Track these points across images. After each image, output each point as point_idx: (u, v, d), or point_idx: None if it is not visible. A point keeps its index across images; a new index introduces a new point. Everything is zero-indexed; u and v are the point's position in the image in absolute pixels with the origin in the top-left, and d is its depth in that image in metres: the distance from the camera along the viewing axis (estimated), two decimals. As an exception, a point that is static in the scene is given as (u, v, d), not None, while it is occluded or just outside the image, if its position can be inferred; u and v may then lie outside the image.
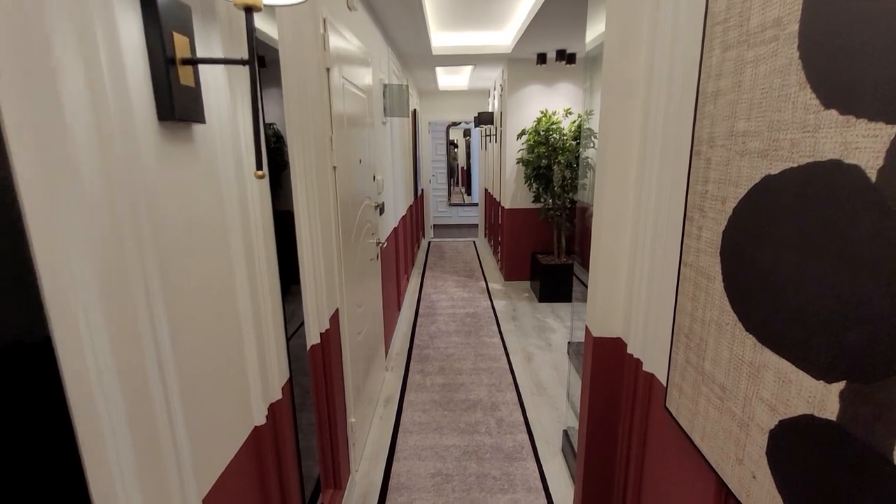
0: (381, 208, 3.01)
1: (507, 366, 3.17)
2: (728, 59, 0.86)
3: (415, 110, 5.77)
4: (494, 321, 4.00)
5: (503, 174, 4.90)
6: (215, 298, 0.90)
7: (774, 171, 0.73)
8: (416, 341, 3.60)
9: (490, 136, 6.15)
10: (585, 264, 4.31)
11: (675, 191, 1.11)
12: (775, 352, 0.71)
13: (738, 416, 0.81)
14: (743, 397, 0.79)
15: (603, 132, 1.48)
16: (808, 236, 0.65)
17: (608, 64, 1.40)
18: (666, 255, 1.17)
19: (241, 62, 0.76)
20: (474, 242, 7.40)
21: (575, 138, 4.14)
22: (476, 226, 8.95)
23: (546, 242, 4.87)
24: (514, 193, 4.77)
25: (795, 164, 0.68)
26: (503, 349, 3.44)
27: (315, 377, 1.57)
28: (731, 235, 0.84)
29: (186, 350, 0.79)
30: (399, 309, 4.00)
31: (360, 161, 2.29)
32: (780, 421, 0.70)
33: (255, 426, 1.08)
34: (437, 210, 9.08)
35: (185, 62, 0.75)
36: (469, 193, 10.10)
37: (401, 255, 4.20)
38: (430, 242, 7.44)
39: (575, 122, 4.20)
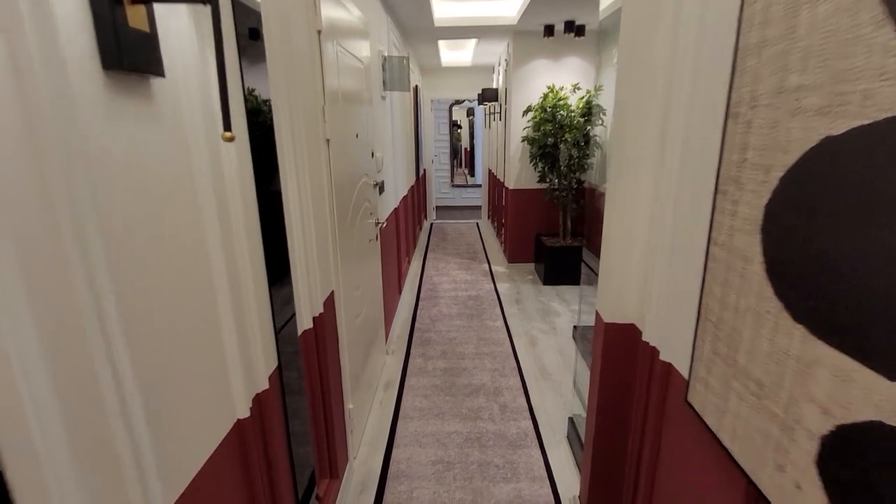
0: (380, 187, 2.89)
1: (510, 350, 3.09)
2: (777, 3, 0.73)
3: (416, 87, 5.58)
4: (498, 304, 3.91)
5: (507, 153, 4.75)
6: (185, 283, 0.80)
7: (837, 130, 0.61)
8: (417, 324, 3.52)
9: (494, 113, 5.97)
10: (593, 247, 4.18)
11: (704, 162, 0.99)
12: (833, 346, 0.60)
13: (779, 417, 0.70)
14: (787, 396, 0.69)
15: (621, 97, 1.35)
16: (882, 207, 0.54)
17: (628, 16, 1.26)
18: (691, 234, 1.05)
19: (202, 1, 0.64)
20: (477, 224, 7.28)
21: (583, 115, 3.97)
22: (479, 207, 8.81)
23: (551, 224, 4.75)
24: (519, 173, 4.63)
25: (868, 121, 0.56)
26: (507, 333, 3.35)
27: (307, 363, 1.48)
28: (776, 210, 0.73)
29: (147, 342, 0.69)
30: (400, 292, 3.92)
31: (357, 136, 2.17)
32: (838, 426, 0.59)
33: (238, 419, 0.99)
34: (440, 191, 8.94)
35: (136, 0, 0.63)
36: (472, 175, 9.93)
37: (402, 236, 4.09)
38: (432, 224, 7.32)
39: (583, 98, 4.03)
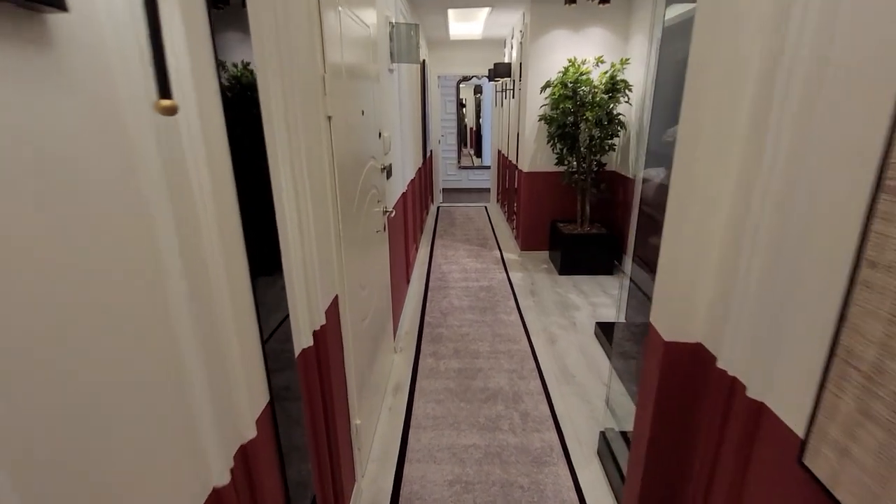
0: (387, 171, 2.62)
1: (528, 348, 2.87)
2: None
3: (424, 61, 5.24)
4: (511, 296, 3.67)
5: (522, 134, 4.44)
6: (122, 319, 0.55)
7: None
8: (426, 319, 3.30)
9: (506, 90, 5.62)
10: (618, 235, 3.92)
11: (847, 143, 0.72)
12: None
13: None
14: None
15: (697, 55, 1.06)
16: None
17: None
18: (815, 243, 0.79)
19: None
20: (486, 208, 7.00)
21: (607, 91, 3.65)
22: (487, 190, 8.51)
23: (567, 210, 4.47)
24: (534, 155, 4.32)
25: None
26: (523, 329, 3.12)
27: (307, 386, 1.25)
28: None
29: (54, 408, 0.44)
30: (408, 283, 3.68)
31: (363, 112, 1.89)
32: None
33: (215, 488, 0.75)
34: (447, 173, 8.62)
35: None
36: (479, 155, 9.58)
37: (409, 223, 3.83)
38: (439, 208, 7.04)
39: (607, 73, 3.70)
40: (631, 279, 2.30)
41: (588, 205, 4.09)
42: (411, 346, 2.91)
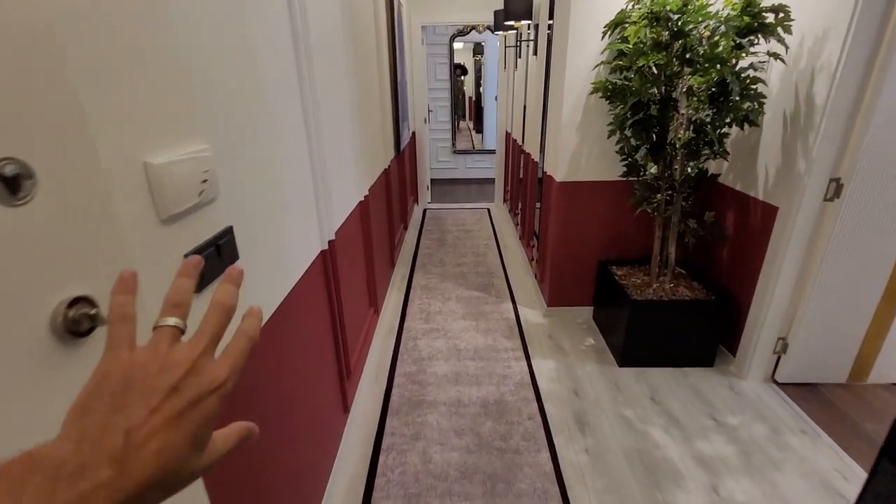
0: (217, 248, 0.86)
1: None
2: None
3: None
4: (543, 431, 1.95)
5: (554, 116, 2.60)
6: None
7: None
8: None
9: (522, 43, 3.72)
10: (730, 299, 2.10)
11: None
12: None
13: None
14: None
15: None
16: None
17: None
18: None
19: None
20: (489, 211, 5.19)
21: (742, 33, 1.80)
22: (490, 182, 6.68)
23: (628, 242, 2.69)
24: (578, 155, 2.51)
25: None
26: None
27: None
28: None
29: None
30: (346, 410, 1.93)
31: None
32: None
33: None
34: (438, 159, 6.75)
35: None
36: (479, 131, 7.67)
37: (362, 272, 2.07)
38: (425, 211, 5.22)
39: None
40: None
41: (674, 244, 2.31)
42: None
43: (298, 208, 1.35)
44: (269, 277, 1.14)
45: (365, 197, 2.30)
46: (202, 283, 0.82)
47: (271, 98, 1.15)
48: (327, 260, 1.64)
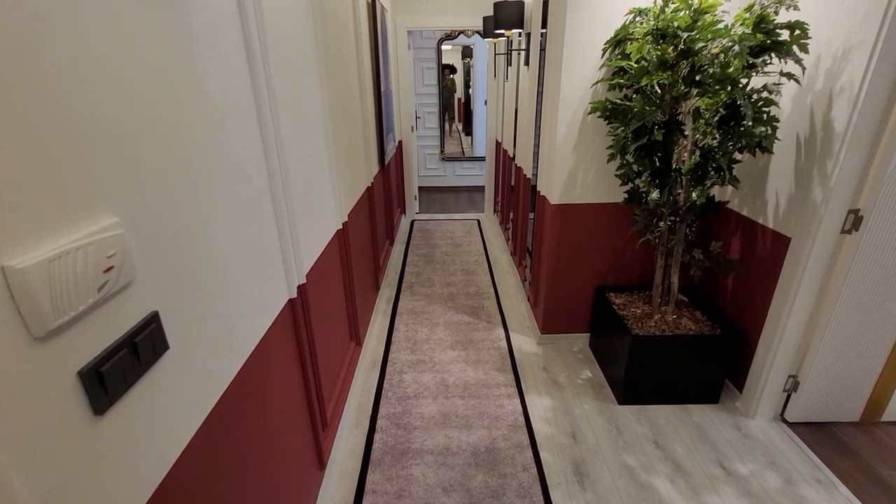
0: (133, 347, 0.66)
1: None
2: None
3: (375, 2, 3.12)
4: (539, 484, 1.78)
5: (548, 135, 2.43)
6: None
7: None
8: None
9: (513, 52, 3.55)
10: (735, 331, 1.94)
11: None
12: None
13: None
14: None
15: None
16: None
17: None
18: None
19: None
20: (479, 223, 5.01)
21: (756, 52, 1.64)
22: (480, 189, 6.51)
23: (626, 268, 2.54)
24: (573, 176, 2.34)
25: None
26: None
27: None
28: None
29: None
30: (322, 467, 1.74)
31: None
32: None
33: None
34: (426, 166, 6.56)
35: None
36: (468, 134, 7.48)
37: (342, 306, 1.88)
38: (413, 223, 5.03)
39: (751, 6, 1.68)
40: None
41: (675, 274, 2.15)
42: None
43: (256, 262, 1.16)
44: (216, 353, 0.94)
45: (344, 224, 2.10)
46: (99, 408, 0.63)
47: (216, 135, 0.96)
48: (297, 307, 1.45)
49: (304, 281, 1.50)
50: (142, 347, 0.71)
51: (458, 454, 1.92)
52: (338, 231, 2.03)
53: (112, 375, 0.65)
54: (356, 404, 2.22)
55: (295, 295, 1.42)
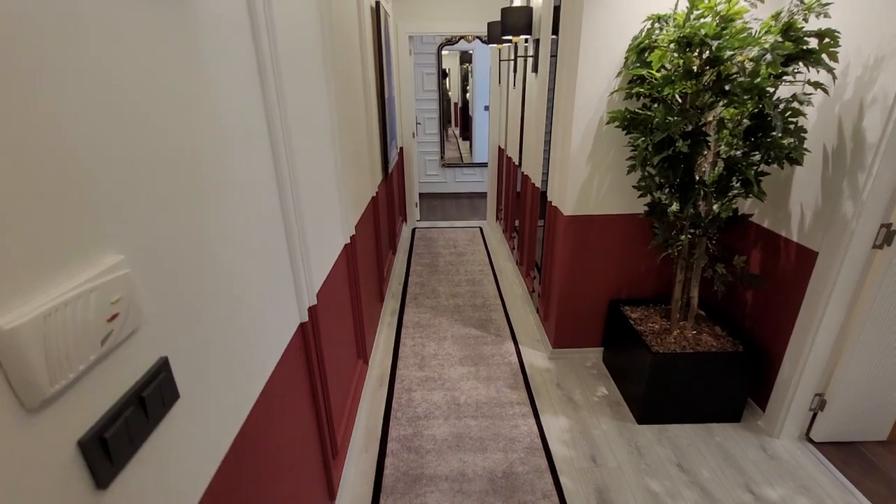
0: (140, 401, 0.57)
1: None
2: None
3: (378, 3, 3.05)
4: (560, 512, 1.69)
5: (564, 145, 2.36)
6: None
7: None
8: None
9: (518, 58, 3.48)
10: (758, 349, 1.85)
11: None
12: None
13: None
14: None
15: None
16: None
17: None
18: None
19: None
20: (481, 230, 4.94)
21: (785, 61, 1.58)
22: (481, 196, 6.44)
23: (640, 280, 2.46)
24: (588, 187, 2.27)
25: None
26: None
27: None
28: None
29: None
30: (332, 497, 1.64)
31: None
32: None
33: None
34: (426, 173, 6.48)
35: None
36: (466, 139, 7.41)
37: (349, 323, 1.79)
38: (414, 231, 4.95)
39: (779, 14, 1.62)
40: None
41: (695, 288, 2.08)
42: None
43: (268, 288, 1.07)
44: (229, 394, 0.85)
45: (351, 238, 2.02)
46: (103, 481, 0.54)
47: (226, 158, 0.87)
48: (308, 332, 1.36)
49: (315, 302, 1.41)
50: (150, 401, 0.62)
51: (474, 480, 1.83)
52: (346, 245, 1.94)
53: (117, 440, 0.56)
54: (364, 426, 2.13)
55: (306, 318, 1.33)
